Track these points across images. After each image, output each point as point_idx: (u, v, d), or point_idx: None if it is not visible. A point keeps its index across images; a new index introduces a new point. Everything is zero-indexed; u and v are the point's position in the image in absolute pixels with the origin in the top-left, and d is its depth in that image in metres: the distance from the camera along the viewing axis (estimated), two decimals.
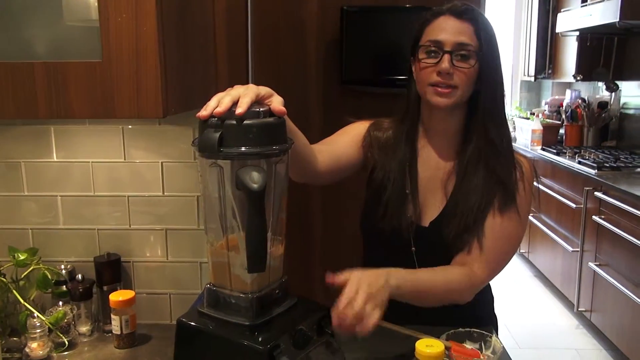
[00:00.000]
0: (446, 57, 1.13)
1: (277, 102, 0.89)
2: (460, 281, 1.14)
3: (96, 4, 0.97)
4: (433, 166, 1.26)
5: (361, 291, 0.95)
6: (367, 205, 1.31)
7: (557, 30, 4.00)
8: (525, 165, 1.23)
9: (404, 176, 1.24)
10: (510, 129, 4.94)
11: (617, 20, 3.09)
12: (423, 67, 1.17)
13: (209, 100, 0.86)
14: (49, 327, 1.15)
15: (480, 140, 1.19)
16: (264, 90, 0.89)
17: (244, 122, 0.84)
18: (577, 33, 3.81)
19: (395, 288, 1.02)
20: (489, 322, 1.31)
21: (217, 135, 0.83)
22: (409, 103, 1.26)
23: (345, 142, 1.30)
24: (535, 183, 1.26)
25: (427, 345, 0.85)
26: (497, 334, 1.25)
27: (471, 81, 1.16)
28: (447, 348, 1.01)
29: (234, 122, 0.83)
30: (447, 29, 1.15)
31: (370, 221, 1.28)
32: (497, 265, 1.20)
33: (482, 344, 1.10)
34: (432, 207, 1.24)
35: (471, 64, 1.14)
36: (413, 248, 1.23)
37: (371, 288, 0.96)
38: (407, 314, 1.09)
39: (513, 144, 1.28)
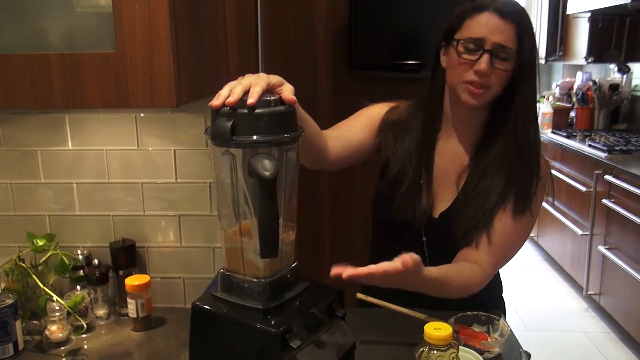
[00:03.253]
0: (485, 57, 1.10)
1: (287, 91, 0.91)
2: (473, 279, 1.15)
3: None
4: (449, 157, 1.25)
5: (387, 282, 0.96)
6: (380, 192, 1.30)
7: (568, 11, 3.96)
8: (543, 165, 1.21)
9: (420, 166, 1.23)
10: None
11: (629, 1, 3.05)
12: (459, 63, 1.14)
13: (221, 89, 0.88)
14: (67, 311, 1.18)
15: (508, 145, 1.16)
16: (274, 79, 0.90)
17: (256, 111, 0.85)
18: (589, 14, 3.77)
19: (420, 285, 1.03)
20: (497, 307, 1.33)
21: (230, 124, 0.84)
22: (433, 90, 1.24)
23: (359, 126, 1.29)
24: (549, 170, 1.24)
25: (436, 329, 0.87)
26: (505, 318, 1.27)
27: (505, 83, 1.14)
28: (455, 331, 1.03)
29: (246, 111, 0.85)
30: (489, 27, 1.11)
31: (383, 209, 1.28)
32: (505, 259, 1.20)
33: (490, 327, 1.12)
34: (443, 199, 1.24)
35: (508, 66, 1.11)
36: (424, 238, 1.24)
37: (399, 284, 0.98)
38: (416, 298, 1.12)
39: None
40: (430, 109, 1.25)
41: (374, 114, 1.31)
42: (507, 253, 1.20)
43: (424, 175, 1.23)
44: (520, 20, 1.12)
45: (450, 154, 1.26)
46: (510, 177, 1.17)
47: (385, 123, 1.29)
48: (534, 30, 1.16)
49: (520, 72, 1.13)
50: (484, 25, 1.12)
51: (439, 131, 1.26)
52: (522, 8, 1.14)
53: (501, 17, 1.11)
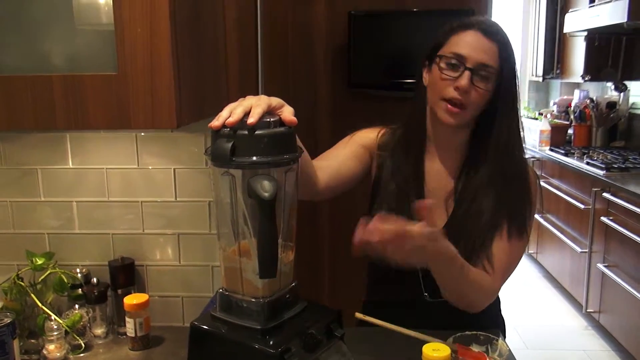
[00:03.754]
0: (466, 74, 1.11)
1: (287, 112, 0.91)
2: (483, 279, 1.15)
3: (106, 7, 1.00)
4: (436, 178, 1.26)
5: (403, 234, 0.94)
6: (370, 213, 1.28)
7: (565, 30, 3.99)
8: (531, 176, 1.22)
9: (409, 187, 1.23)
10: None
11: (625, 20, 3.08)
12: (440, 78, 1.14)
13: (221, 109, 0.89)
14: (65, 330, 1.18)
15: (493, 167, 1.17)
16: (275, 101, 0.91)
17: (256, 132, 0.86)
18: (585, 33, 3.81)
19: (438, 254, 1.02)
20: (496, 326, 1.32)
21: (230, 145, 0.85)
22: (415, 111, 1.24)
23: (346, 155, 1.27)
24: (539, 184, 1.25)
25: (434, 350, 0.87)
26: (504, 337, 1.27)
27: (483, 102, 1.14)
28: (453, 351, 1.03)
29: (246, 132, 0.86)
30: (473, 45, 1.12)
31: None
32: (504, 279, 1.21)
33: (489, 347, 1.12)
34: (435, 220, 1.24)
35: (488, 86, 1.12)
36: None
37: (415, 240, 0.95)
38: (414, 317, 1.12)
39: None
40: (413, 130, 1.25)
41: (360, 141, 1.30)
42: (507, 273, 1.21)
43: (414, 197, 1.22)
44: (504, 42, 1.14)
45: (437, 175, 1.26)
46: (500, 201, 1.18)
47: (375, 152, 1.29)
48: (514, 55, 1.17)
49: (501, 92, 1.14)
50: (469, 42, 1.13)
51: (424, 152, 1.26)
52: (505, 31, 1.16)
53: (486, 36, 1.12)
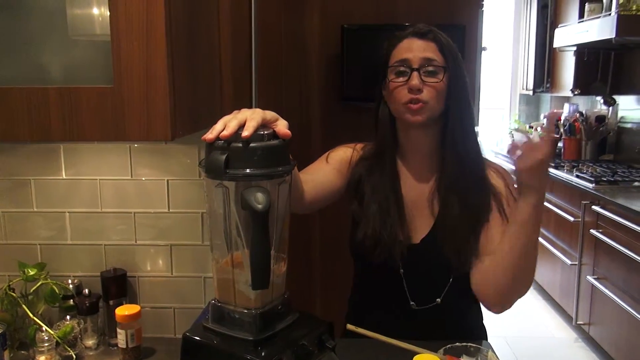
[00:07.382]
0: (414, 74, 1.17)
1: (282, 126, 0.93)
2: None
3: (100, 18, 1.02)
4: (415, 186, 1.28)
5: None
6: (354, 233, 1.29)
7: (555, 45, 4.05)
8: (502, 171, 1.28)
9: (390, 204, 1.24)
10: (509, 141, 4.87)
11: (614, 36, 3.13)
12: (394, 87, 1.20)
13: (215, 122, 0.90)
14: (56, 341, 1.18)
15: (456, 163, 1.21)
16: (269, 114, 0.92)
17: (250, 144, 0.87)
18: (575, 48, 3.86)
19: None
20: (479, 335, 1.34)
21: (224, 157, 0.86)
22: (383, 127, 1.27)
23: (328, 169, 1.31)
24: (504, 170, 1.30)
25: None
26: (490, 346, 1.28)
27: (441, 96, 1.19)
28: None
29: (240, 144, 0.87)
30: (412, 48, 1.19)
31: (359, 249, 1.27)
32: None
33: (479, 359, 1.13)
34: (421, 226, 1.25)
35: (439, 78, 1.18)
36: (401, 270, 1.24)
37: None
38: (405, 330, 1.13)
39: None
40: (386, 146, 1.28)
41: (340, 156, 1.33)
42: None
43: (396, 211, 1.24)
44: (439, 39, 1.20)
45: (415, 183, 1.28)
46: (465, 195, 1.21)
47: (353, 166, 1.31)
48: (457, 51, 1.22)
49: (451, 83, 1.19)
50: (408, 48, 1.20)
51: (398, 164, 1.29)
52: (439, 31, 1.22)
53: (420, 38, 1.20)
